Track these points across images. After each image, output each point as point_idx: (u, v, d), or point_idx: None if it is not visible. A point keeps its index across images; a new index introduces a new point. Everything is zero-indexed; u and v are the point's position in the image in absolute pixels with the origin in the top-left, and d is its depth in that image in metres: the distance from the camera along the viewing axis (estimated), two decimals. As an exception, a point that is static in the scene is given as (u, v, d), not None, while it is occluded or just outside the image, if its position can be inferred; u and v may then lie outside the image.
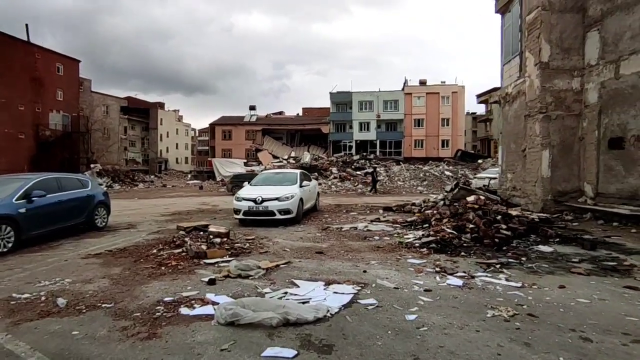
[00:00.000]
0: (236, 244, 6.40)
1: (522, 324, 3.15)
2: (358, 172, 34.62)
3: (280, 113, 60.93)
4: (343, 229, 8.19)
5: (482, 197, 9.68)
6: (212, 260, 5.41)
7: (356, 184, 24.51)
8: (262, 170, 35.36)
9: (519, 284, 4.25)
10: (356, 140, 48.62)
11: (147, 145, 59.20)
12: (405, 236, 7.23)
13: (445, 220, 7.60)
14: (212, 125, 52.46)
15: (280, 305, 3.38)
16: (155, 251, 6.06)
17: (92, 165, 35.22)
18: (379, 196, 18.97)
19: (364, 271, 4.92)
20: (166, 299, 3.88)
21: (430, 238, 6.71)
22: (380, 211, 11.18)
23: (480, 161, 38.24)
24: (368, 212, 11.29)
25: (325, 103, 54.03)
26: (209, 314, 3.43)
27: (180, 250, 5.93)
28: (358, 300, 3.78)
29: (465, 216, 7.63)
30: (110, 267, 5.28)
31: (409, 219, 8.97)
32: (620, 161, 8.69)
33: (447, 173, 25.20)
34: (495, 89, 52.72)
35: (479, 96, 56.65)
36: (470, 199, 9.66)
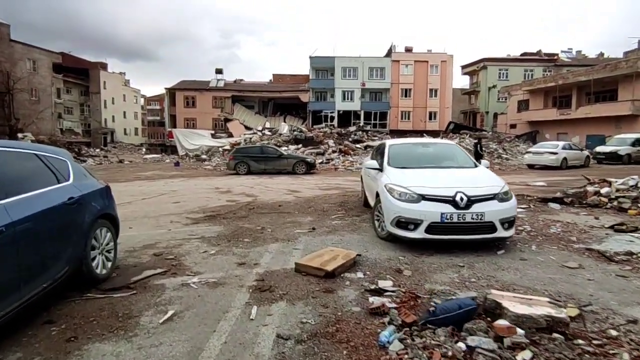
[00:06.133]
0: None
1: None
2: (357, 146, 30.43)
3: (242, 80, 53.87)
4: (608, 254, 3.94)
5: None
6: None
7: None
8: (257, 142, 28.49)
9: None
10: (339, 111, 43.90)
11: (88, 113, 49.59)
12: None
13: None
14: (172, 91, 44.50)
15: None
16: None
17: (19, 135, 27.17)
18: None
19: None
20: None
21: None
22: (550, 204, 7.09)
23: (478, 133, 35.84)
24: (525, 205, 7.12)
25: (286, 72, 48.33)
26: None
27: None
28: None
29: None
30: None
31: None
32: None
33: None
34: (483, 60, 49.66)
35: (464, 67, 54.14)
36: None
